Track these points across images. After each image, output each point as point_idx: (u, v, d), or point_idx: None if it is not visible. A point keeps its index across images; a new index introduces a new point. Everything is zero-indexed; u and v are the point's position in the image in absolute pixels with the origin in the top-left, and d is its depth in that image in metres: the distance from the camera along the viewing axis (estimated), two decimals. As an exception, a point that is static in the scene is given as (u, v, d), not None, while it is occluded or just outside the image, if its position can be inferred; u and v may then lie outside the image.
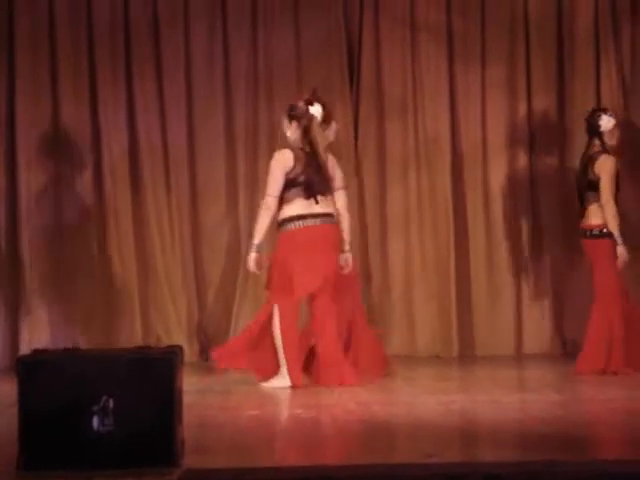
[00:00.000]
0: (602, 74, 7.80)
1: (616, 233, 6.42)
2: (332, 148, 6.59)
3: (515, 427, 4.56)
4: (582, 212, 6.62)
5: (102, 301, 7.76)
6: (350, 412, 5.13)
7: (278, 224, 6.19)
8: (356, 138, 7.91)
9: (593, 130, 6.63)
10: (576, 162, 7.84)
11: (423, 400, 5.52)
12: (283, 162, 6.14)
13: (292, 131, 6.20)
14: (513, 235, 7.87)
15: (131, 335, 7.67)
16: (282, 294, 6.06)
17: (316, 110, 6.25)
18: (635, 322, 6.53)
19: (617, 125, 6.65)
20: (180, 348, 3.85)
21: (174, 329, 7.75)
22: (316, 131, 6.20)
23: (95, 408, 3.67)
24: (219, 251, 7.83)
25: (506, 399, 5.48)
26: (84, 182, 7.81)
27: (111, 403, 3.67)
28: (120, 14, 7.79)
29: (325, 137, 6.28)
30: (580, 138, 7.85)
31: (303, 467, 3.73)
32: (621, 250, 6.40)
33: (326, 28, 7.85)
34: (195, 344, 7.76)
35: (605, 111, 6.68)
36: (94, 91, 7.79)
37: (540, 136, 7.87)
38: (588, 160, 6.61)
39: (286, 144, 6.26)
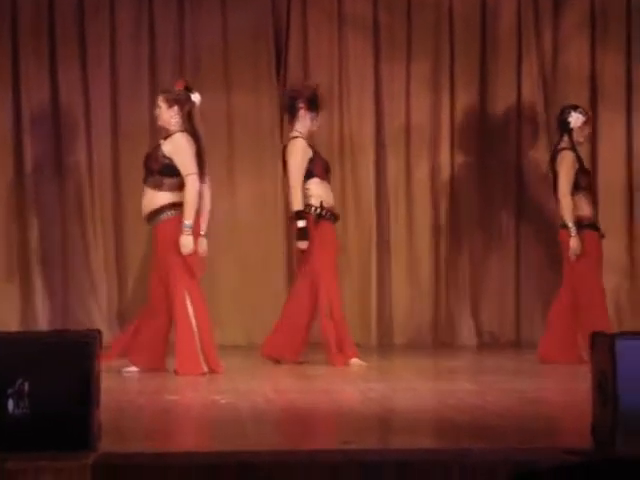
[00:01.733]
0: (523, 72, 7.94)
1: (570, 225, 6.54)
2: (313, 138, 6.67)
3: (431, 415, 4.63)
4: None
5: (22, 283, 7.69)
6: (268, 399, 5.15)
7: (163, 208, 6.04)
8: (282, 128, 7.93)
9: (563, 127, 6.67)
10: (495, 157, 8.01)
11: (341, 388, 5.56)
12: (191, 143, 6.10)
13: (171, 115, 6.14)
14: (434, 227, 7.97)
15: (51, 319, 7.62)
16: (187, 279, 6.04)
17: (195, 97, 6.24)
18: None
19: (587, 121, 6.70)
20: (99, 332, 3.83)
21: (95, 314, 7.70)
22: (198, 117, 6.19)
23: (10, 391, 3.64)
24: (142, 237, 7.78)
25: (423, 387, 5.56)
26: (5, 165, 7.71)
27: (27, 386, 3.64)
28: (44, -5, 7.71)
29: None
30: (502, 134, 8.00)
31: (220, 452, 3.74)
32: (573, 241, 6.53)
33: (253, 17, 7.86)
34: (116, 329, 7.72)
35: (575, 108, 6.71)
36: (16, 73, 7.69)
37: (462, 131, 7.98)
38: (552, 156, 6.73)
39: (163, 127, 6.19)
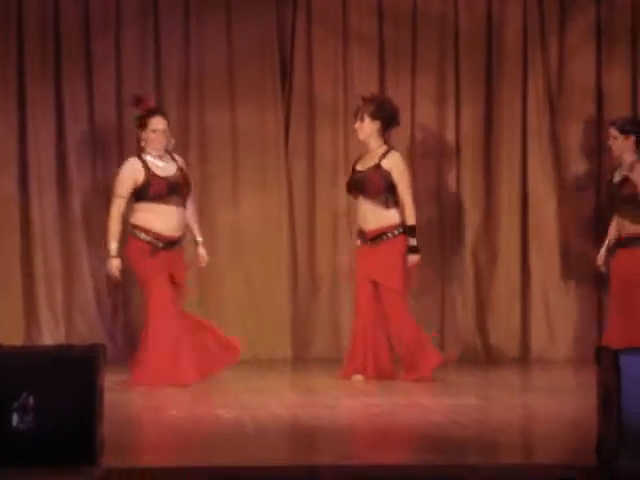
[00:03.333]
0: (529, 85, 7.94)
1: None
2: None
3: (434, 431, 4.62)
4: None
5: (25, 298, 7.70)
6: (272, 414, 5.16)
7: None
8: (286, 142, 7.95)
9: None
10: (501, 170, 7.99)
11: (346, 403, 5.56)
12: None
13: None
14: (439, 240, 7.95)
15: (54, 334, 7.63)
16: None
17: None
18: None
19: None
20: (103, 347, 3.84)
21: (97, 328, 7.70)
22: None
23: (15, 405, 3.65)
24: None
25: (427, 403, 5.55)
26: (9, 180, 7.72)
27: (31, 400, 3.65)
28: (51, 13, 7.71)
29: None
30: (507, 148, 8.00)
31: (224, 467, 3.75)
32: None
33: (259, 32, 7.88)
34: (119, 343, 7.72)
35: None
36: (22, 91, 7.71)
37: (467, 145, 7.99)
38: None
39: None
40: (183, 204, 6.39)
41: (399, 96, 7.94)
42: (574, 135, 7.87)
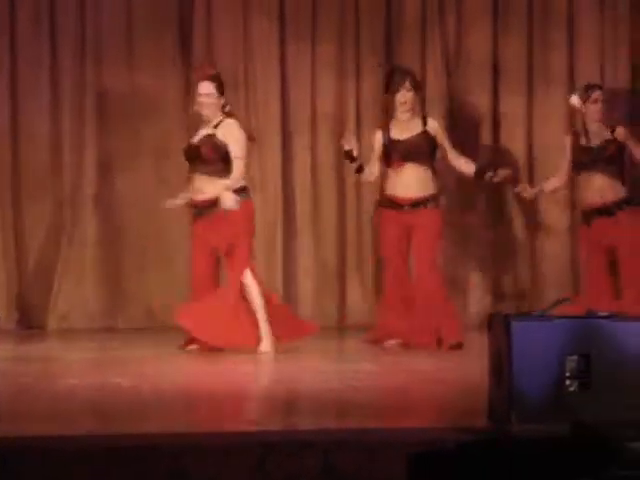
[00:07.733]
0: (427, 57, 8.00)
1: None
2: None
3: (332, 396, 4.68)
4: None
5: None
6: (172, 382, 5.15)
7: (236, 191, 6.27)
8: (187, 108, 7.88)
9: None
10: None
11: (246, 370, 5.58)
12: None
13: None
14: (339, 211, 8.00)
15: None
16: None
17: None
18: None
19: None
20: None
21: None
22: None
23: None
24: (41, 220, 7.65)
25: (326, 369, 5.61)
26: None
27: None
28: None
29: None
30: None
31: (120, 435, 3.73)
32: None
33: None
34: (14, 313, 7.59)
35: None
36: None
37: (367, 116, 8.01)
38: None
39: None
40: (208, 171, 6.31)
41: (299, 65, 7.94)
42: (470, 106, 7.97)
